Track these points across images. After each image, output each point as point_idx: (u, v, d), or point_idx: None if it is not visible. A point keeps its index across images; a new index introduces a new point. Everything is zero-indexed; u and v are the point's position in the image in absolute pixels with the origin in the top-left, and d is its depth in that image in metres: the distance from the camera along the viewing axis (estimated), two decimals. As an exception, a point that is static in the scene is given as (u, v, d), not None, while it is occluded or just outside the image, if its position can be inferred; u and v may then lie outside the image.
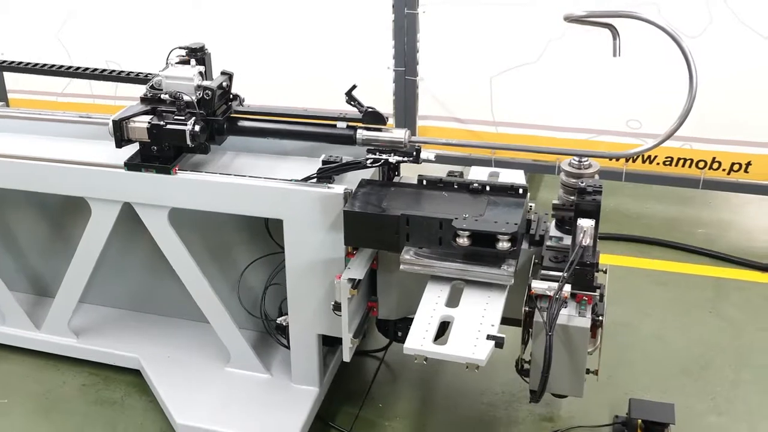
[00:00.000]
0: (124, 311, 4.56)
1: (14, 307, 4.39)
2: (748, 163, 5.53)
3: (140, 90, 3.79)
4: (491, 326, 2.97)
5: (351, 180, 3.59)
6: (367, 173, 3.67)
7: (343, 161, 3.55)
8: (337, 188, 3.46)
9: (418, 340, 2.95)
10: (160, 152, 3.67)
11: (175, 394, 3.95)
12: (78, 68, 4.30)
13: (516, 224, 3.09)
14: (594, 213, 3.18)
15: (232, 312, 3.98)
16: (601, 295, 3.19)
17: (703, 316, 4.74)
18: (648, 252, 5.39)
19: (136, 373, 4.24)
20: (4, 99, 7.11)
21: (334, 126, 3.77)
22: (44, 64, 4.38)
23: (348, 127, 3.74)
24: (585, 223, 3.07)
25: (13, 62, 4.45)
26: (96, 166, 3.80)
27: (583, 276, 3.09)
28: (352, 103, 3.74)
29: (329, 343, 3.94)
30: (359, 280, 3.31)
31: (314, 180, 3.53)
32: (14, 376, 4.37)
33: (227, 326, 3.96)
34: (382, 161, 3.50)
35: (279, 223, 3.60)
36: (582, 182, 3.26)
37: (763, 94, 5.35)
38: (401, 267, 3.23)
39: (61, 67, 4.38)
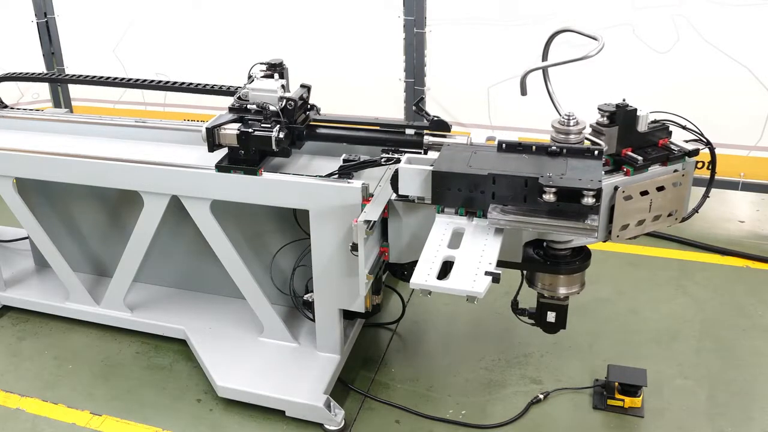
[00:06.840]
0: (171, 289, 4.56)
1: (77, 286, 4.39)
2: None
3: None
4: (489, 264, 2.85)
5: (368, 176, 3.58)
6: (382, 170, 3.65)
7: (361, 160, 3.52)
8: (356, 183, 3.43)
9: (423, 276, 2.84)
10: (246, 155, 3.58)
11: (216, 360, 3.95)
12: (138, 80, 4.28)
13: (600, 181, 2.86)
14: None
15: (265, 290, 3.98)
16: None
17: (671, 293, 4.71)
18: (623, 238, 5.36)
19: (182, 343, 4.24)
20: (69, 106, 7.12)
21: (403, 132, 3.71)
22: (109, 77, 4.36)
23: (415, 133, 3.68)
24: None
25: (76, 75, 4.44)
26: (147, 164, 3.80)
27: None
28: (420, 113, 3.69)
29: (349, 317, 3.93)
30: (374, 221, 3.19)
31: (336, 176, 3.51)
32: (78, 345, 4.38)
33: (261, 302, 3.96)
34: (395, 160, 3.46)
35: (305, 213, 3.58)
36: (571, 138, 3.18)
37: (724, 101, 5.32)
38: (488, 222, 2.99)
39: (130, 79, 4.34)
